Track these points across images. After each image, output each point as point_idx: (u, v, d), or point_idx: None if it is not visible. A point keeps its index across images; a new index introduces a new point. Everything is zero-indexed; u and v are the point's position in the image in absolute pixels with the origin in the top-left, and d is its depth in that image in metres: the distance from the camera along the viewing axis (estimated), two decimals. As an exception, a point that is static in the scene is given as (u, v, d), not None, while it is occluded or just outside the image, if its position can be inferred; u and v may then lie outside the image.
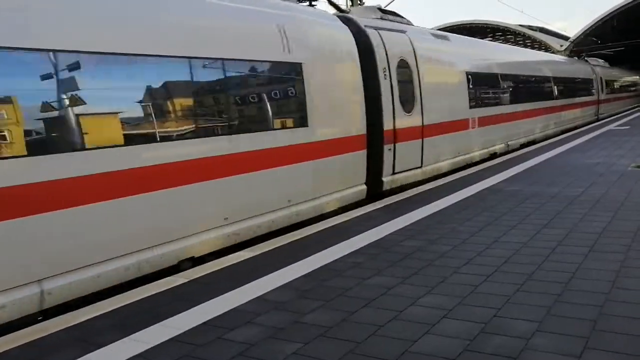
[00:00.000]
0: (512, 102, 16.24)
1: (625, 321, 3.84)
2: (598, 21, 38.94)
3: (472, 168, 12.20)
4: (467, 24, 45.04)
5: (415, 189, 9.87)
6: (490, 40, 39.80)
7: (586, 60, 31.36)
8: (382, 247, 6.06)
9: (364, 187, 9.42)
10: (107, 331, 4.09)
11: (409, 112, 10.49)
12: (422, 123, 10.93)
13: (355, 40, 9.35)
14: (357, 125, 9.12)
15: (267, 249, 6.19)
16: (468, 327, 3.89)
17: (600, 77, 29.89)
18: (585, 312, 4.03)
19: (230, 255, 6.05)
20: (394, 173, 10.12)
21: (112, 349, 3.79)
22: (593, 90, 27.82)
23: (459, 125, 12.73)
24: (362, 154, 9.27)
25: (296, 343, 3.76)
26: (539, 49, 41.98)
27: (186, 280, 5.21)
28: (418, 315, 4.15)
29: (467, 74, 13.40)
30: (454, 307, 4.26)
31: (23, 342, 3.93)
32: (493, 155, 14.69)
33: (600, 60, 35.25)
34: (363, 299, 4.53)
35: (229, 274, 5.38)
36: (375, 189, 9.71)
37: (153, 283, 5.20)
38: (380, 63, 9.83)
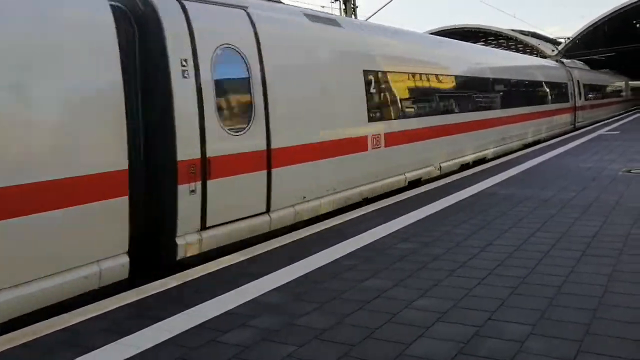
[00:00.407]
0: (443, 111, 12.46)
1: (619, 325, 3.86)
2: (589, 27, 39.32)
3: (466, 171, 12.23)
4: (459, 28, 45.27)
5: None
6: (483, 45, 39.89)
7: (561, 62, 28.16)
8: (376, 250, 6.07)
9: (125, 259, 5.62)
10: (99, 334, 4.06)
11: (239, 131, 6.86)
12: (269, 146, 7.27)
13: (129, 13, 6.03)
14: (100, 154, 5.36)
15: (261, 252, 6.17)
16: (462, 330, 3.90)
17: (578, 81, 26.75)
18: (578, 316, 4.05)
19: (224, 257, 6.03)
20: (204, 228, 6.43)
21: (104, 352, 3.76)
22: (568, 96, 24.66)
23: (350, 145, 9.05)
24: (115, 205, 5.48)
25: (290, 346, 3.75)
26: (531, 53, 42.25)
27: (179, 283, 5.18)
28: (412, 318, 4.15)
29: (367, 73, 9.59)
30: (448, 310, 4.27)
31: (15, 345, 3.90)
32: (416, 183, 11.01)
33: (578, 62, 32.73)
34: (357, 302, 4.53)
35: (223, 276, 5.36)
36: (164, 258, 6.13)
37: (146, 285, 5.16)
38: (177, 51, 6.22)
